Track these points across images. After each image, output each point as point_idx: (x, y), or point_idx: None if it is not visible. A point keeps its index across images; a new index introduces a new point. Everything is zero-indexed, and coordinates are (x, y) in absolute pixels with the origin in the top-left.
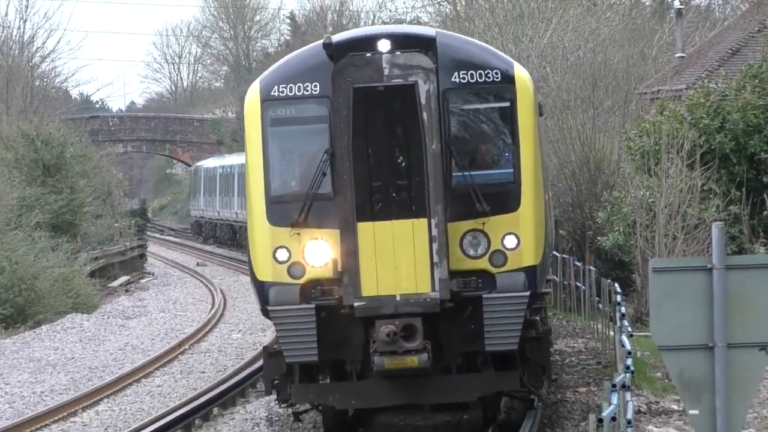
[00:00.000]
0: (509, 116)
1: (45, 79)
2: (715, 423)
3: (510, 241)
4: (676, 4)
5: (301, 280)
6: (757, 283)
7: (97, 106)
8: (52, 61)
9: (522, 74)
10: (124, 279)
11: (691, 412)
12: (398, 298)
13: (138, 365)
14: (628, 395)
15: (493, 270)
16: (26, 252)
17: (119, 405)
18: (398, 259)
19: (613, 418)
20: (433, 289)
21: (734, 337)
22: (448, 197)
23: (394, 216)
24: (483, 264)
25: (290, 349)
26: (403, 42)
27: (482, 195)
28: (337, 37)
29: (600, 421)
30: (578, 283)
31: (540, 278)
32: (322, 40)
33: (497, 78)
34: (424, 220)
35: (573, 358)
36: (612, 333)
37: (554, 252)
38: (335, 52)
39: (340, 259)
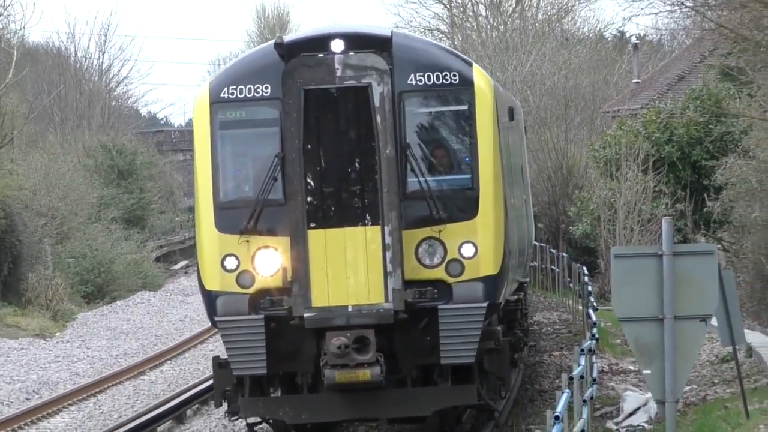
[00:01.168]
0: (467, 120)
1: (119, 100)
2: (664, 380)
3: (467, 250)
4: (633, 39)
5: (250, 290)
6: (698, 267)
7: (162, 122)
8: (126, 85)
9: (481, 77)
10: (183, 263)
11: (644, 371)
12: (350, 309)
13: (195, 333)
14: (593, 358)
15: (450, 280)
16: (104, 241)
17: (179, 366)
18: (350, 268)
19: (582, 377)
20: (387, 300)
21: (680, 311)
22: (403, 204)
23: (347, 223)
24: (439, 273)
25: (238, 362)
26: (357, 42)
27: (439, 202)
28: (289, 37)
29: (571, 379)
30: (553, 267)
31: (499, 288)
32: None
33: (455, 80)
34: (378, 228)
35: (548, 328)
36: (580, 307)
37: (534, 241)
38: (287, 52)
39: (290, 268)
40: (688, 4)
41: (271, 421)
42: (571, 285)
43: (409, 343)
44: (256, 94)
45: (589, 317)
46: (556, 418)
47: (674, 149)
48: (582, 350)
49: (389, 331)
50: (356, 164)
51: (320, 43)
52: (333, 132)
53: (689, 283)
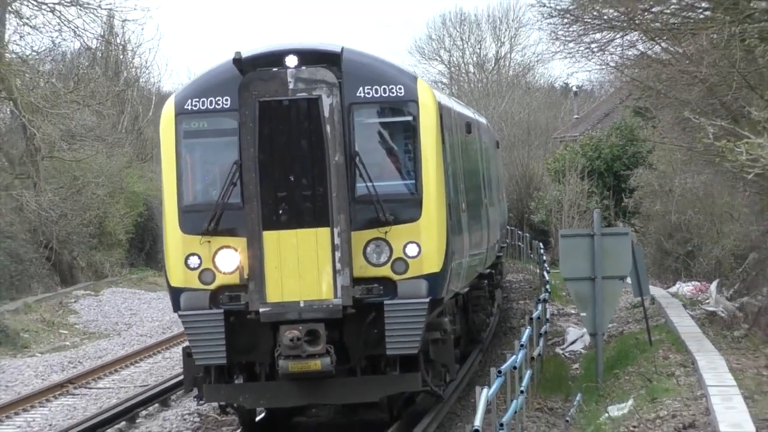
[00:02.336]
0: (411, 130)
1: None
2: (594, 320)
3: (411, 250)
4: (574, 88)
5: (212, 286)
6: (618, 243)
7: None
8: None
9: (425, 91)
10: None
11: (581, 314)
12: (302, 304)
13: None
14: (547, 305)
15: (395, 277)
16: None
17: None
18: (302, 267)
19: (539, 318)
20: (336, 296)
21: (605, 273)
22: (351, 207)
23: (299, 225)
24: (385, 271)
25: (200, 352)
26: (309, 58)
27: (385, 205)
28: (246, 52)
29: (531, 319)
30: (520, 243)
31: (441, 285)
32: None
33: (401, 93)
34: (328, 230)
35: (516, 285)
36: (538, 270)
37: (507, 226)
38: (244, 66)
39: (247, 267)
40: (612, 64)
41: (236, 406)
42: (532, 255)
43: (358, 335)
44: (216, 106)
45: (544, 277)
46: (522, 345)
47: (602, 163)
48: (539, 300)
49: (339, 325)
50: (308, 171)
51: (275, 58)
52: (286, 141)
53: (611, 254)
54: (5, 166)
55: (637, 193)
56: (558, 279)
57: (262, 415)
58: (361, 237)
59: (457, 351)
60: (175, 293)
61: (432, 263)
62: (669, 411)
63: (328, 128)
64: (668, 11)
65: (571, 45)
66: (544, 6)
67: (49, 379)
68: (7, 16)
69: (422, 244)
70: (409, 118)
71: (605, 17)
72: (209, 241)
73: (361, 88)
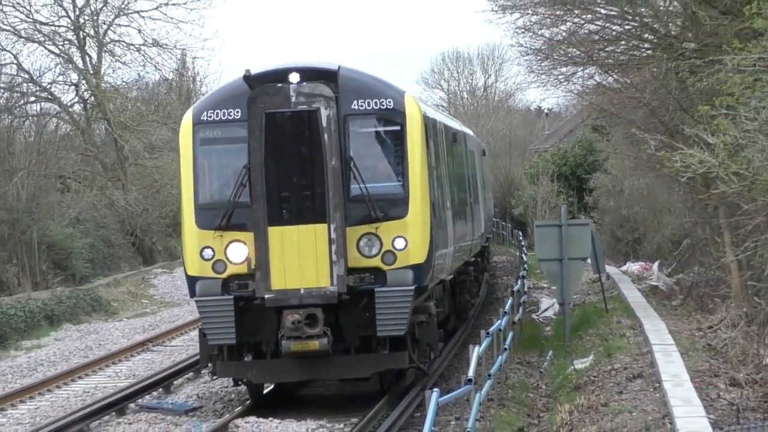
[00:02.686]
0: (399, 138)
1: None
2: (562, 292)
3: (399, 243)
4: (545, 110)
5: (223, 275)
6: (580, 232)
7: None
8: None
9: (412, 103)
10: None
11: (552, 287)
12: (302, 291)
13: None
14: (525, 280)
15: (385, 267)
16: None
17: None
18: (303, 258)
19: (518, 290)
20: (332, 284)
21: (570, 255)
22: (346, 206)
23: (300, 221)
24: (376, 262)
25: (212, 333)
26: (310, 74)
27: (376, 204)
28: (255, 70)
29: (512, 291)
30: (503, 232)
31: (425, 274)
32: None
33: (390, 106)
34: (325, 225)
35: (500, 264)
36: (518, 253)
37: (494, 218)
38: (252, 83)
39: (254, 258)
40: (575, 92)
41: (245, 381)
42: (513, 241)
43: (352, 318)
44: (229, 117)
45: (522, 259)
46: (505, 312)
47: (567, 169)
48: (518, 276)
49: (336, 309)
50: (307, 173)
51: (280, 75)
52: (289, 147)
53: (575, 240)
54: (101, 171)
55: (595, 193)
56: (533, 260)
57: (270, 387)
58: (355, 232)
59: (441, 332)
60: (191, 281)
61: (417, 255)
62: (621, 364)
63: (326, 136)
64: (618, 50)
65: (543, 77)
66: (522, 46)
67: (133, 339)
68: (103, 54)
69: (409, 238)
70: (398, 128)
71: (570, 55)
72: (221, 236)
73: (355, 101)
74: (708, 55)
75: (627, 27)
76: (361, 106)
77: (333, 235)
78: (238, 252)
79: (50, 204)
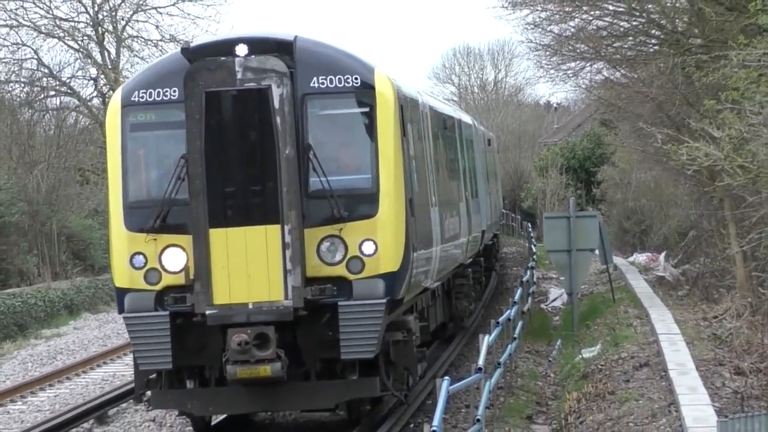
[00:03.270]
0: (368, 122)
1: None
2: (570, 282)
3: (368, 248)
4: (554, 104)
5: (157, 287)
6: (588, 223)
7: None
8: None
9: (384, 81)
10: None
11: (561, 278)
12: (250, 307)
13: None
14: (534, 271)
15: (351, 277)
16: None
17: None
18: (251, 267)
19: (527, 280)
20: (286, 297)
21: (578, 246)
22: (304, 203)
23: (248, 222)
24: (340, 271)
25: (144, 357)
26: (261, 47)
27: (340, 201)
28: (196, 42)
29: (522, 282)
30: (513, 223)
31: (399, 284)
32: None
33: (356, 83)
34: (278, 227)
35: (510, 255)
36: (527, 244)
37: (503, 210)
38: (193, 56)
39: (193, 266)
40: (583, 86)
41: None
42: (522, 233)
43: (312, 338)
44: (164, 98)
45: (531, 249)
46: (514, 302)
47: (576, 162)
48: (528, 267)
49: (292, 327)
50: (257, 165)
51: (225, 47)
52: (234, 133)
53: (583, 232)
54: None
55: (603, 185)
56: (542, 251)
57: (221, 417)
58: (315, 234)
59: (424, 350)
60: (120, 294)
61: (389, 262)
62: (629, 353)
63: (278, 120)
64: (626, 46)
65: (552, 72)
66: (531, 42)
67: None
68: (121, 49)
69: (379, 242)
70: (366, 109)
71: (578, 51)
72: (155, 239)
73: (315, 78)
74: (714, 50)
75: (634, 23)
76: (322, 83)
77: (287, 239)
78: (175, 259)
79: (69, 196)
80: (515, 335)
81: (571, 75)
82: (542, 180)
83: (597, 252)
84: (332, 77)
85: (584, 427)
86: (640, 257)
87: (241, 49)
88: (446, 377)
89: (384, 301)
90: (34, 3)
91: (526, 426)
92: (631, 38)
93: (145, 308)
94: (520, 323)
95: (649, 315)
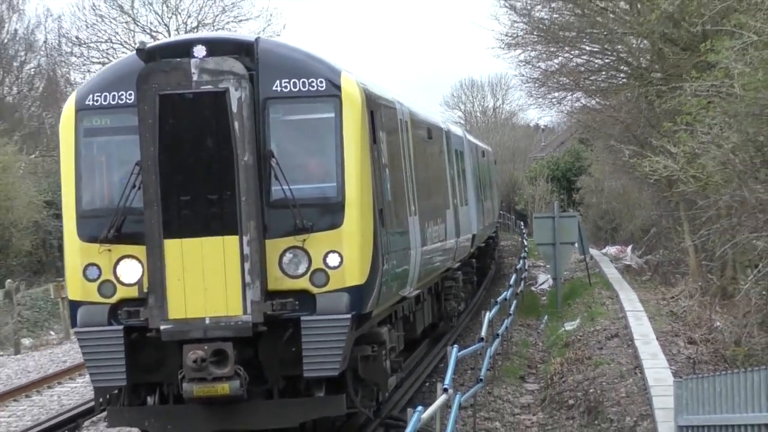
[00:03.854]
0: (333, 128)
1: None
2: (555, 269)
3: (332, 260)
4: (542, 125)
5: (112, 300)
6: (569, 222)
7: None
8: None
9: (350, 84)
10: None
11: (547, 266)
12: (207, 321)
13: None
14: (525, 260)
15: (314, 290)
16: None
17: None
18: (208, 280)
19: (520, 268)
20: (245, 312)
21: (561, 240)
22: (266, 213)
23: (204, 233)
24: (303, 284)
25: (96, 373)
26: (220, 48)
27: (303, 210)
28: (153, 43)
29: (516, 269)
30: (509, 222)
31: (366, 298)
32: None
33: (321, 87)
34: (236, 238)
35: (506, 247)
36: (520, 239)
37: (500, 211)
38: (149, 58)
39: (147, 279)
40: (565, 112)
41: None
42: (516, 230)
43: (275, 354)
44: (120, 101)
45: (523, 243)
46: (510, 285)
47: (559, 173)
48: (520, 257)
49: (252, 343)
50: (214, 172)
51: (183, 49)
52: (190, 139)
53: (565, 229)
54: None
55: (581, 191)
56: (532, 244)
57: None
58: (277, 245)
59: (400, 360)
60: (73, 307)
61: (355, 275)
62: (602, 326)
63: (236, 125)
64: (599, 79)
65: (540, 100)
66: (523, 76)
67: None
68: None
69: (345, 254)
70: (331, 115)
71: (561, 83)
72: (109, 250)
73: (277, 82)
74: (671, 82)
75: (606, 60)
76: (285, 87)
77: (246, 250)
78: (131, 270)
79: None
80: (510, 312)
81: (555, 102)
82: (532, 187)
83: (576, 245)
84: (296, 80)
85: (566, 386)
86: (611, 249)
87: (199, 51)
88: (455, 345)
89: (348, 316)
90: (121, 43)
91: (519, 384)
92: (603, 72)
93: (98, 322)
94: (514, 302)
95: (618, 295)
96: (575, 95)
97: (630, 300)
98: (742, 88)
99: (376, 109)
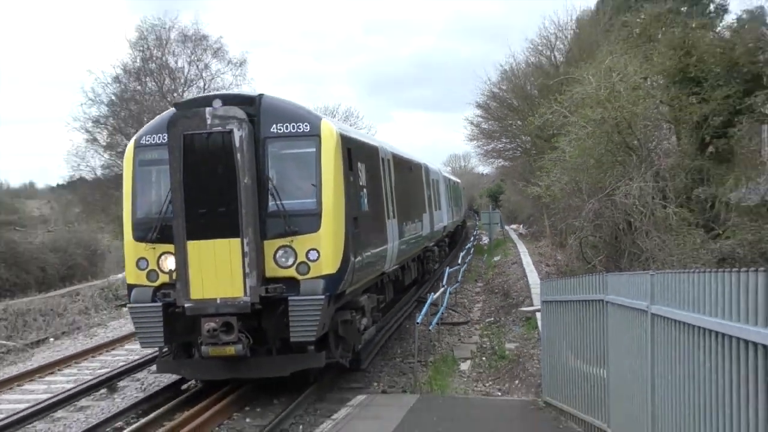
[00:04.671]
0: (314, 160)
1: None
2: (490, 235)
3: (312, 255)
4: (484, 173)
5: (156, 283)
6: (495, 214)
7: None
8: None
9: (327, 128)
10: None
11: (487, 233)
12: (218, 301)
13: None
14: (477, 231)
15: (299, 277)
16: None
17: None
18: (218, 270)
19: (476, 235)
20: (246, 294)
21: (492, 221)
22: (266, 221)
23: (216, 236)
24: (292, 273)
25: (143, 337)
26: (232, 101)
27: (292, 219)
28: (183, 99)
29: (473, 235)
30: (475, 216)
31: (337, 283)
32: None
33: (306, 130)
34: (239, 240)
35: (470, 225)
36: (476, 222)
37: (470, 210)
38: (179, 109)
39: (176, 270)
40: (496, 166)
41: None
42: (475, 217)
43: (272, 323)
44: (162, 141)
45: (475, 224)
46: (470, 242)
47: (492, 193)
48: (475, 229)
49: (258, 315)
50: (223, 191)
51: (204, 102)
52: (205, 167)
53: (494, 217)
54: None
55: (501, 201)
56: (481, 225)
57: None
58: (273, 245)
59: (375, 318)
60: (129, 289)
61: (329, 266)
62: (509, 259)
63: (239, 156)
64: (509, 152)
65: (484, 159)
66: (479, 148)
67: None
68: None
69: (321, 251)
70: (312, 149)
71: (494, 153)
72: (154, 248)
73: (274, 125)
74: (540, 154)
75: (512, 145)
76: (280, 129)
77: (246, 249)
78: (168, 263)
79: None
80: (470, 253)
81: (491, 162)
82: (480, 200)
83: (499, 224)
84: (288, 124)
85: (494, 284)
86: (513, 226)
87: (216, 103)
88: (447, 267)
89: (322, 297)
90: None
91: (474, 283)
92: (511, 151)
93: (145, 300)
94: (472, 249)
95: (517, 246)
96: (499, 160)
97: (521, 248)
98: (568, 157)
99: (353, 147)
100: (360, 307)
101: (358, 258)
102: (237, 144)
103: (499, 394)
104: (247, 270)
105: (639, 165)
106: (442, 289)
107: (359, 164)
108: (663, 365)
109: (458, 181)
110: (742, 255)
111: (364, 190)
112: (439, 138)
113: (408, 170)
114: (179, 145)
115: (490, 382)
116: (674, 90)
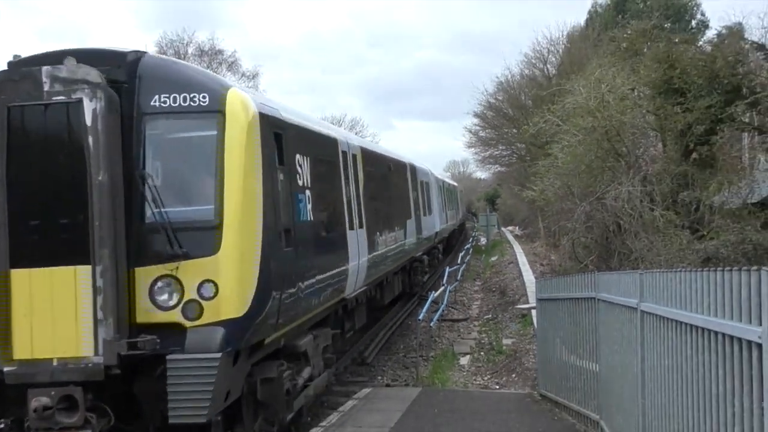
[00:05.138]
0: (214, 147)
1: None
2: (488, 236)
3: (207, 290)
4: (482, 178)
5: None
6: (492, 217)
7: None
8: None
9: (238, 102)
10: None
11: (485, 234)
12: (55, 364)
13: None
14: (476, 232)
15: (187, 323)
16: None
17: None
18: (57, 315)
19: (474, 236)
20: (97, 353)
21: (490, 224)
22: (137, 237)
23: (54, 262)
24: (175, 316)
25: None
26: (90, 60)
27: (177, 235)
28: (26, 56)
29: (472, 236)
30: (474, 218)
31: (245, 332)
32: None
33: (204, 103)
34: (89, 267)
35: (470, 227)
36: (475, 224)
37: (469, 213)
38: (9, 69)
39: None
40: (493, 172)
41: None
42: (474, 219)
43: (151, 389)
44: None
45: (474, 226)
46: (469, 243)
47: (489, 197)
48: (474, 231)
49: (128, 378)
50: (66, 194)
51: (54, 60)
52: (41, 156)
53: (490, 219)
54: None
55: (498, 205)
56: (479, 226)
57: None
58: (149, 274)
59: (331, 358)
60: None
61: (232, 306)
62: (506, 259)
63: (90, 140)
64: (505, 158)
65: (483, 166)
66: (476, 155)
67: None
68: None
69: (220, 283)
70: (213, 132)
71: (491, 159)
72: None
73: (156, 96)
74: (534, 161)
75: (508, 152)
76: (164, 102)
77: (99, 282)
78: None
79: None
80: (469, 253)
81: (488, 167)
82: (478, 203)
83: (496, 226)
84: (176, 95)
85: (492, 282)
86: (510, 228)
87: (70, 62)
88: (447, 266)
89: (218, 355)
90: None
91: (473, 282)
92: (507, 157)
93: None
94: (471, 250)
95: (513, 246)
96: (495, 166)
97: (517, 248)
98: (561, 163)
99: (287, 132)
100: (298, 354)
101: (291, 289)
102: (89, 121)
103: (497, 387)
104: (100, 315)
105: (627, 170)
106: (442, 288)
107: (299, 157)
108: (652, 359)
109: (455, 184)
110: (726, 255)
111: (307, 192)
112: (440, 145)
113: (386, 169)
114: (2, 123)
115: (489, 376)
116: (660, 100)
